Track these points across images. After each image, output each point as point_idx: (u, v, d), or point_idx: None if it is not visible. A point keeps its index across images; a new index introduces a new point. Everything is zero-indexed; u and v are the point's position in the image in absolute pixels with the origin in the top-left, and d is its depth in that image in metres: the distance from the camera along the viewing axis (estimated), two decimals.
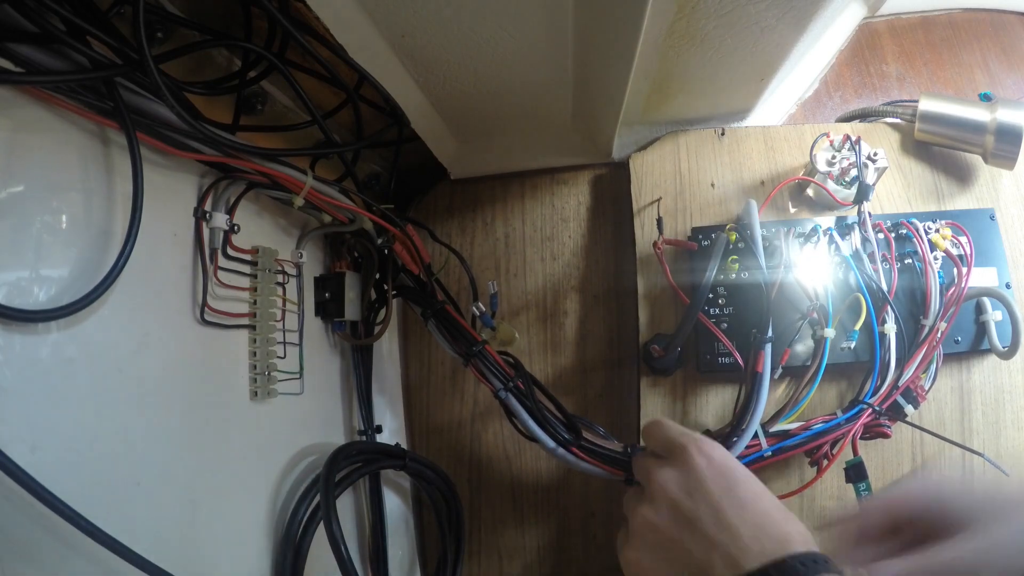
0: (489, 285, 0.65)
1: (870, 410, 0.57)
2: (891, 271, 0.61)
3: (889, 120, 0.71)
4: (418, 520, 0.73)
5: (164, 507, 0.39)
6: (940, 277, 0.60)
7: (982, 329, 0.61)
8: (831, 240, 0.62)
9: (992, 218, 0.63)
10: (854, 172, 0.61)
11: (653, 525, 0.38)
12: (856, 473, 0.58)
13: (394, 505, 0.69)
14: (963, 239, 0.61)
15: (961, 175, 0.67)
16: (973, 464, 0.61)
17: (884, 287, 0.60)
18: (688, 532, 0.36)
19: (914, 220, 0.62)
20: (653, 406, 0.65)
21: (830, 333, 0.59)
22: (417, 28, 0.48)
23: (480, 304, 0.64)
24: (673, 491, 0.38)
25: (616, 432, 0.68)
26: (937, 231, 0.61)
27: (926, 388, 0.59)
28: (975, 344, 0.61)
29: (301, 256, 0.57)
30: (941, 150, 0.68)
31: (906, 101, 0.70)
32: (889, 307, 0.59)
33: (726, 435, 0.59)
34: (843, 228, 0.63)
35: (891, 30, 0.88)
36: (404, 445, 0.67)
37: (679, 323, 0.61)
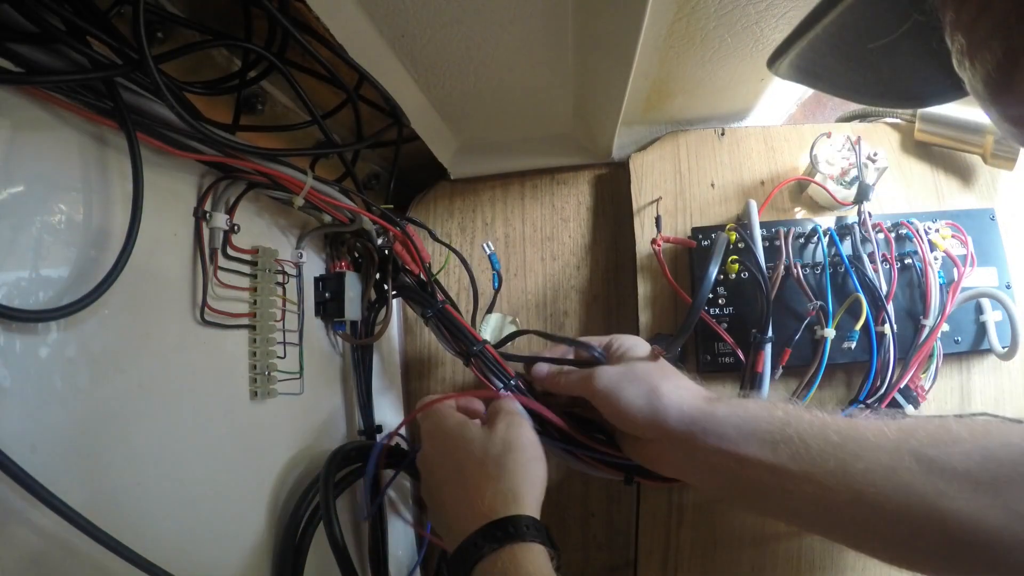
0: (484, 246, 0.65)
1: (868, 410, 0.57)
2: (891, 271, 0.61)
3: (889, 120, 0.71)
4: (418, 520, 0.73)
5: (164, 507, 0.39)
6: (940, 277, 0.60)
7: (982, 329, 0.61)
8: (831, 240, 0.62)
9: (992, 218, 0.63)
10: (854, 172, 0.61)
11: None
12: None
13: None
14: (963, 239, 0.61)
15: (961, 175, 0.67)
16: None
17: (883, 287, 0.60)
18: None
19: (914, 220, 0.62)
20: None
21: (830, 333, 0.59)
22: (417, 28, 0.48)
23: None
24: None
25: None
26: (937, 231, 0.61)
27: (926, 388, 0.59)
28: (975, 344, 0.61)
29: (301, 256, 0.57)
30: (941, 150, 0.68)
31: None
32: (885, 309, 0.59)
33: None
34: (843, 228, 0.63)
35: None
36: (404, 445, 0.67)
37: (681, 323, 0.61)
